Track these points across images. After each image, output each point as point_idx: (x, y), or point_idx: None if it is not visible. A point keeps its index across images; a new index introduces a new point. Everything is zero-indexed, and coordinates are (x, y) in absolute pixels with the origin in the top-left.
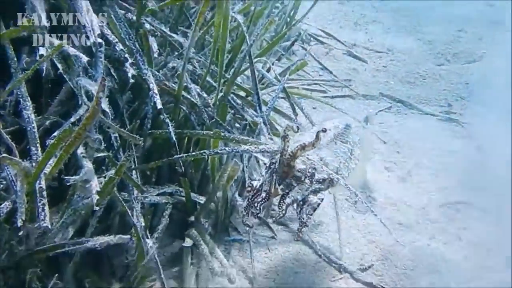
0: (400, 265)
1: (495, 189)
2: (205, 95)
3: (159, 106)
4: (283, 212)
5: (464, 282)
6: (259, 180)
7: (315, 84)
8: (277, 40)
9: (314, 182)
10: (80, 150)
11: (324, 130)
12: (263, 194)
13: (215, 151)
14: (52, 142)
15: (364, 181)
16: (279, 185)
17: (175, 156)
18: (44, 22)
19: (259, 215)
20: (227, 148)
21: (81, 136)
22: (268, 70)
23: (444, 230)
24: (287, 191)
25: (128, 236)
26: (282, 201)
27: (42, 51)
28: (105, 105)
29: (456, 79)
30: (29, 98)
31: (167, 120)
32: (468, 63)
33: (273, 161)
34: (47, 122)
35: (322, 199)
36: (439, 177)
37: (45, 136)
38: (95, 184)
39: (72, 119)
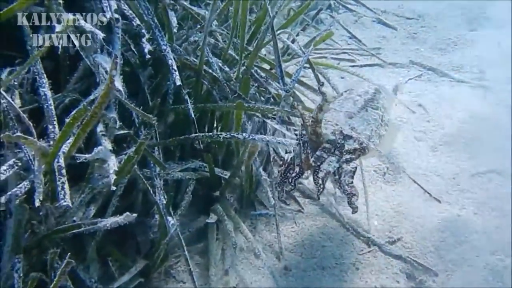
0: (429, 237)
1: None
2: (227, 69)
3: (178, 82)
4: (322, 186)
5: (494, 253)
6: (290, 153)
7: (344, 53)
8: (301, 10)
9: (344, 153)
10: (100, 128)
11: (322, 84)
12: (296, 168)
13: (231, 134)
14: (68, 121)
15: (392, 149)
16: (310, 158)
17: (192, 135)
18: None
19: (293, 190)
20: (241, 136)
21: (97, 115)
22: (293, 41)
23: (475, 200)
24: (318, 163)
25: (134, 215)
26: (316, 175)
27: (58, 28)
28: (118, 83)
29: (489, 44)
30: (45, 76)
31: (186, 97)
32: (501, 27)
33: (303, 132)
34: (66, 100)
35: (356, 167)
36: (470, 146)
37: (64, 114)
38: (113, 164)
39: (90, 97)
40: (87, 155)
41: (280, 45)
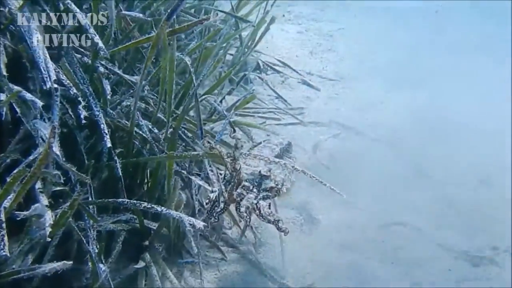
0: (339, 283)
1: None
2: (156, 130)
3: (108, 145)
4: (247, 217)
5: None
6: (215, 192)
7: (270, 112)
8: (227, 74)
9: (262, 191)
10: (38, 185)
11: (234, 131)
12: (221, 204)
13: (151, 205)
14: (9, 181)
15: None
16: (233, 195)
17: (119, 200)
18: (3, 72)
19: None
20: (159, 208)
21: (36, 175)
22: (221, 101)
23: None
24: (239, 199)
25: (70, 262)
26: (238, 210)
27: (2, 97)
28: (56, 148)
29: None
30: None
31: (116, 158)
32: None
33: (226, 173)
34: (8, 160)
35: (270, 203)
36: (380, 198)
37: (7, 173)
38: (49, 218)
39: (30, 158)
40: (25, 212)
41: (208, 106)
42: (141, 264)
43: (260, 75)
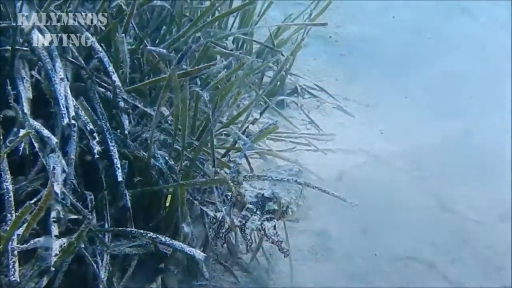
0: None
1: None
2: (172, 162)
3: (120, 178)
4: (249, 241)
5: None
6: (221, 213)
7: (301, 137)
8: (247, 107)
9: (265, 213)
10: (53, 215)
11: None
12: (226, 225)
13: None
14: (18, 214)
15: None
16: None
17: (129, 229)
18: (26, 110)
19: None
20: (163, 238)
21: (43, 209)
22: (244, 132)
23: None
24: (244, 221)
25: None
26: (243, 232)
27: (22, 132)
28: (57, 188)
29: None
30: (8, 172)
31: (125, 191)
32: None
33: (229, 197)
34: (29, 189)
35: (275, 225)
36: (396, 230)
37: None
38: (56, 247)
39: (35, 199)
40: (26, 245)
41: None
42: (156, 285)
43: (295, 100)
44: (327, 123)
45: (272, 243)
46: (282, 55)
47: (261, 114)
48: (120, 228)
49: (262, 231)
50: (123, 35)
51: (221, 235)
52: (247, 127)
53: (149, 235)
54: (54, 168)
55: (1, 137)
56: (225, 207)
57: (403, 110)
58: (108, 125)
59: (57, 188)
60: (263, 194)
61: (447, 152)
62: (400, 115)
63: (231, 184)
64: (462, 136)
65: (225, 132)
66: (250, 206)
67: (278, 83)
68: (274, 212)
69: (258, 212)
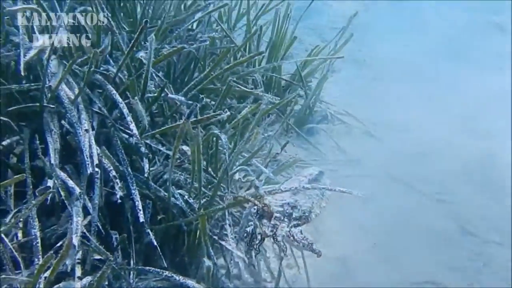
0: None
1: None
2: (191, 200)
3: (141, 219)
4: (284, 247)
5: None
6: (251, 226)
7: (329, 164)
8: (255, 153)
9: (292, 220)
10: (78, 256)
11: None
12: (258, 236)
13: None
14: (41, 263)
15: None
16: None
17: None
18: (53, 161)
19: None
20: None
21: (65, 257)
22: (267, 165)
23: None
24: (274, 230)
25: None
26: (275, 240)
27: (49, 183)
28: (75, 240)
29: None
30: (36, 219)
31: (148, 231)
32: None
33: (257, 210)
34: (60, 232)
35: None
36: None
37: (58, 241)
38: None
39: (60, 242)
40: None
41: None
42: None
43: (324, 127)
44: (355, 148)
45: (303, 246)
46: (308, 92)
47: (282, 148)
48: (139, 267)
49: (292, 237)
50: (136, 98)
51: (254, 246)
52: (269, 161)
53: (165, 273)
54: (72, 220)
55: (31, 187)
56: (254, 219)
57: (434, 132)
58: (129, 169)
59: (75, 240)
60: (288, 203)
61: (473, 175)
62: (431, 138)
63: (254, 200)
64: (486, 158)
65: (248, 163)
66: (277, 215)
67: (307, 110)
68: (299, 218)
69: (285, 220)
